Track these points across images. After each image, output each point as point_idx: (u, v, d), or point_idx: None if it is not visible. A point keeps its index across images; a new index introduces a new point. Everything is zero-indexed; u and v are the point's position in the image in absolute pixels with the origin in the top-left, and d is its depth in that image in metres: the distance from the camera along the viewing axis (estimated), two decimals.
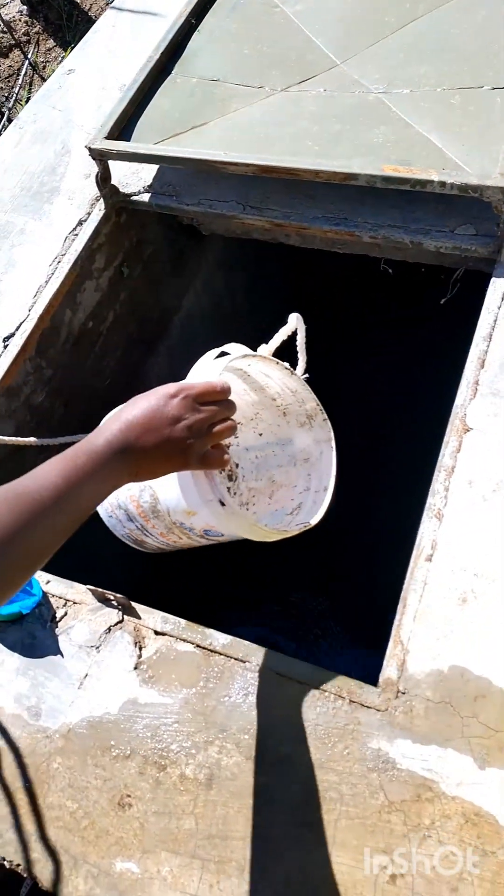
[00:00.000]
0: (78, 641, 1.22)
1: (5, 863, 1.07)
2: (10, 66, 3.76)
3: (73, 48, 2.42)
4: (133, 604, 1.25)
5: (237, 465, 1.18)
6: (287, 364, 1.07)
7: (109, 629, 1.22)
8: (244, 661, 1.15)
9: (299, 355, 1.11)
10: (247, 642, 1.17)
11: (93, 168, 1.70)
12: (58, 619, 1.25)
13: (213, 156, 1.52)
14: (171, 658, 1.18)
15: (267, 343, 1.07)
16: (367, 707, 1.08)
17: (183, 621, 1.22)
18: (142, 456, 0.80)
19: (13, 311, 1.67)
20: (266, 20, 1.84)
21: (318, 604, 2.69)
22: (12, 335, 1.64)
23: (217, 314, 2.49)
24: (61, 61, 3.62)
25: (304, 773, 1.04)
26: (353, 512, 2.59)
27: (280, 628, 2.60)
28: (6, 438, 1.48)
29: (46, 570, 1.31)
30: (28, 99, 3.54)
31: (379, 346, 2.91)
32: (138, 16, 2.22)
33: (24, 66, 3.75)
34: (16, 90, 3.69)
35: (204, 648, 1.18)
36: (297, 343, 1.08)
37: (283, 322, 1.09)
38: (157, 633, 1.21)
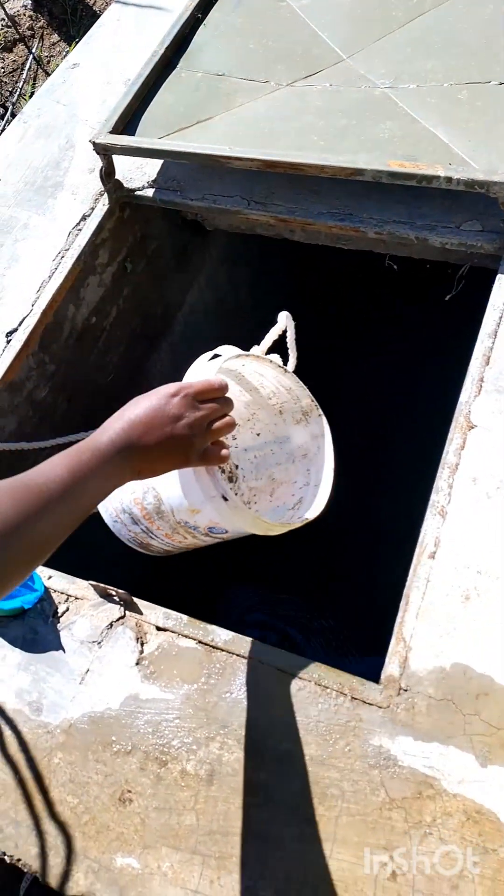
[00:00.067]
0: (79, 637, 1.22)
1: (6, 857, 1.07)
2: (15, 60, 3.75)
3: (77, 43, 2.41)
4: (135, 599, 1.25)
5: (237, 467, 1.18)
6: (280, 362, 1.08)
7: (111, 625, 1.22)
8: (246, 658, 1.15)
9: (290, 352, 1.12)
10: (248, 639, 1.17)
11: (97, 163, 1.70)
12: (59, 615, 1.25)
13: (218, 150, 1.51)
14: (173, 654, 1.18)
15: (259, 344, 1.08)
16: (368, 704, 1.07)
17: (185, 617, 1.22)
18: (144, 453, 0.82)
19: (16, 305, 1.67)
20: (272, 14, 1.83)
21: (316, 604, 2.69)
22: (15, 330, 1.64)
23: (221, 310, 2.49)
24: (65, 56, 3.62)
25: (305, 770, 1.04)
26: (355, 510, 2.59)
27: (282, 616, 2.60)
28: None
29: (48, 565, 1.31)
30: (32, 93, 3.53)
31: (383, 343, 2.91)
32: (143, 10, 2.21)
33: (29, 61, 3.74)
34: (20, 85, 3.68)
35: (206, 644, 1.18)
36: (287, 340, 1.09)
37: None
38: (158, 628, 1.21)
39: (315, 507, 1.04)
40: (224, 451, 0.88)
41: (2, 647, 1.23)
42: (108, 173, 1.70)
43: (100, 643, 1.21)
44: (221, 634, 1.18)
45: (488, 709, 1.03)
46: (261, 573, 2.65)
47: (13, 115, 3.50)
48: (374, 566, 2.43)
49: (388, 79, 1.59)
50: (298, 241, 1.79)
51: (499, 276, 1.41)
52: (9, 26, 3.75)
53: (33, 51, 3.75)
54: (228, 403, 0.88)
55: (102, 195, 1.78)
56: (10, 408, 1.67)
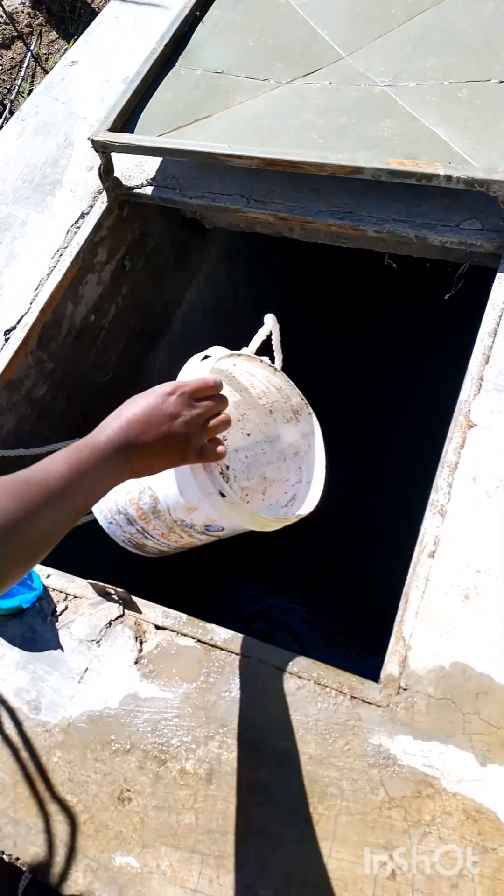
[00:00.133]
0: (78, 635, 1.22)
1: (4, 856, 1.06)
2: (13, 57, 3.74)
3: (76, 40, 2.40)
4: (134, 598, 1.24)
5: (227, 467, 1.19)
6: (269, 361, 1.09)
7: (110, 623, 1.22)
8: (245, 656, 1.15)
9: (276, 354, 1.13)
10: (248, 637, 1.17)
11: (95, 160, 1.69)
12: (58, 613, 1.25)
13: (217, 148, 1.50)
14: (172, 653, 1.18)
15: (248, 345, 1.09)
16: (368, 703, 1.07)
17: (184, 616, 1.21)
18: (142, 451, 0.83)
19: (15, 303, 1.67)
20: (271, 12, 1.82)
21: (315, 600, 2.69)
22: (14, 328, 1.64)
23: (219, 308, 2.48)
24: (64, 53, 3.60)
25: (304, 769, 1.04)
26: (354, 508, 2.59)
27: (284, 608, 2.61)
28: None
29: (47, 563, 1.31)
30: (30, 91, 3.52)
31: (382, 341, 2.91)
32: (142, 7, 2.20)
33: (27, 58, 3.73)
34: (18, 82, 3.67)
35: (205, 643, 1.17)
36: (273, 343, 1.10)
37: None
38: (157, 627, 1.21)
39: (308, 504, 1.05)
40: (221, 448, 0.89)
41: (0, 646, 1.23)
42: (106, 171, 1.70)
43: (98, 642, 1.21)
44: (220, 633, 1.18)
45: (488, 708, 1.03)
46: (259, 570, 2.65)
47: (11, 113, 3.49)
48: (373, 564, 2.43)
49: (388, 77, 1.59)
50: (298, 239, 1.79)
51: (498, 274, 1.41)
52: (7, 24, 3.74)
53: (31, 48, 3.75)
54: (223, 401, 0.89)
55: (101, 193, 1.78)
56: (9, 406, 1.67)
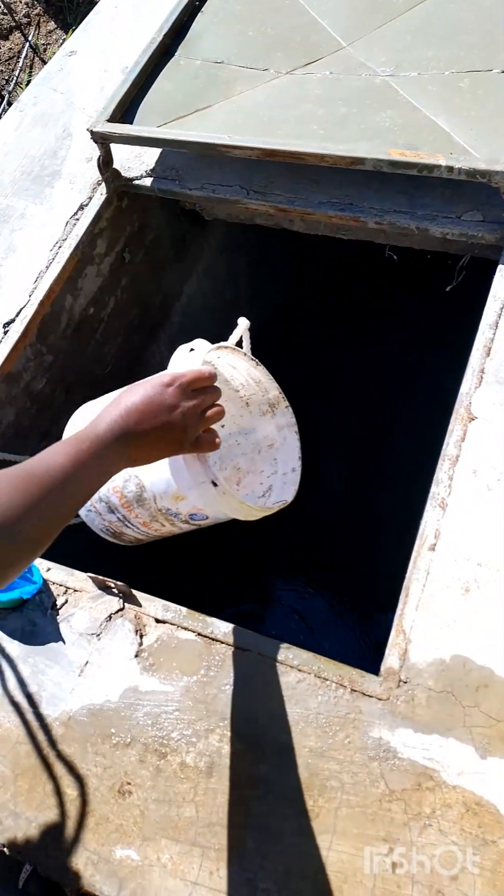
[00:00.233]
0: (78, 629, 1.22)
1: (5, 849, 1.07)
2: (11, 48, 3.72)
3: (74, 30, 2.39)
4: (134, 592, 1.24)
5: None
6: (251, 355, 1.10)
7: (110, 617, 1.22)
8: (245, 650, 1.15)
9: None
10: (248, 631, 1.17)
11: (94, 151, 1.68)
12: (58, 607, 1.25)
13: (217, 139, 1.49)
14: (172, 646, 1.17)
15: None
16: (368, 696, 1.07)
17: (184, 609, 1.21)
18: (140, 440, 0.84)
19: (13, 296, 1.66)
20: (271, 1, 1.81)
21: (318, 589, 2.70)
22: (12, 321, 1.63)
23: (219, 300, 2.48)
24: (62, 43, 3.58)
25: (304, 762, 1.04)
26: (354, 500, 2.59)
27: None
28: None
29: (47, 557, 1.30)
30: (29, 82, 3.50)
31: (382, 333, 2.90)
32: None
33: (25, 49, 3.70)
34: (16, 73, 3.65)
35: (205, 637, 1.17)
36: (244, 348, 1.11)
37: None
38: (157, 620, 1.21)
39: (286, 494, 1.09)
40: (217, 439, 0.90)
41: (1, 639, 1.23)
42: (105, 162, 1.68)
43: (99, 635, 1.21)
44: (221, 626, 1.18)
45: (488, 701, 1.03)
46: (258, 561, 2.65)
47: (9, 104, 3.47)
48: (373, 557, 2.44)
49: (389, 67, 1.58)
50: (298, 231, 1.77)
51: (500, 266, 1.40)
52: (5, 14, 3.71)
53: (30, 38, 3.72)
54: (218, 392, 0.90)
55: (100, 184, 1.76)
56: (8, 399, 1.66)
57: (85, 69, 2.05)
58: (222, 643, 1.16)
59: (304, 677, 1.10)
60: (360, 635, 2.49)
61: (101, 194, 1.76)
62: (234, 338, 1.07)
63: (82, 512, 1.10)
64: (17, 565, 0.73)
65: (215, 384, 0.90)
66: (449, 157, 1.34)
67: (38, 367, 1.72)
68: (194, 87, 1.67)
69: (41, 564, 1.30)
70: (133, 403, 0.84)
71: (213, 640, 1.17)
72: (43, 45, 3.76)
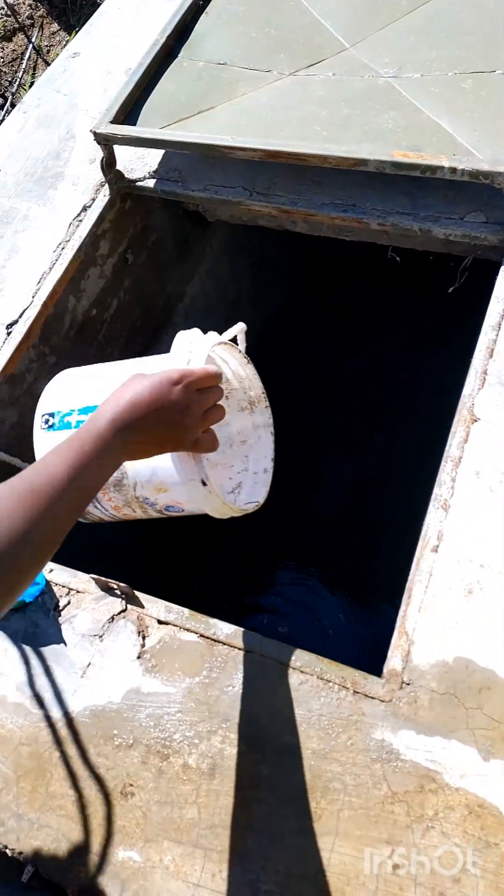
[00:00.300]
0: (81, 630, 1.22)
1: (7, 851, 1.07)
2: (14, 50, 3.72)
3: (77, 31, 2.39)
4: (136, 593, 1.24)
5: None
6: (245, 353, 1.10)
7: (112, 618, 1.22)
8: (248, 651, 1.15)
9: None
10: (250, 632, 1.17)
11: (98, 153, 1.68)
12: (61, 608, 1.25)
13: (220, 140, 1.49)
14: (175, 647, 1.17)
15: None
16: (371, 698, 1.07)
17: (186, 611, 1.21)
18: (143, 436, 0.83)
19: (17, 297, 1.66)
20: (274, 3, 1.81)
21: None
22: (16, 322, 1.63)
23: (221, 301, 2.48)
24: (66, 45, 3.59)
25: (307, 764, 1.04)
26: (355, 501, 2.59)
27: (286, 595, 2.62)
28: None
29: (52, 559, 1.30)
30: (32, 83, 3.50)
31: (384, 334, 2.90)
32: None
33: (28, 50, 3.71)
34: (19, 74, 3.65)
35: (207, 638, 1.17)
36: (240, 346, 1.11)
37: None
38: (160, 622, 1.21)
39: (260, 493, 1.10)
40: (216, 441, 0.90)
41: (3, 641, 1.23)
42: (108, 163, 1.69)
43: (101, 637, 1.21)
44: (223, 628, 1.18)
45: (491, 703, 1.03)
46: (259, 560, 2.66)
47: (13, 105, 3.48)
48: (374, 557, 2.44)
49: (392, 68, 1.58)
50: (300, 232, 1.78)
51: (502, 267, 1.40)
52: (8, 15, 3.72)
53: (33, 40, 3.73)
54: (221, 392, 0.90)
55: (103, 186, 1.77)
56: (11, 400, 1.66)
57: (88, 71, 2.05)
58: (225, 645, 1.16)
59: (307, 679, 1.10)
60: (359, 634, 2.49)
61: (104, 196, 1.76)
62: (227, 335, 1.07)
63: None
64: (27, 579, 0.73)
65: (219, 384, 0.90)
66: (452, 159, 1.34)
67: (41, 368, 1.72)
68: (197, 88, 1.67)
69: None
70: (140, 398, 0.83)
71: (215, 641, 1.17)
72: (46, 46, 3.77)
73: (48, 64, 3.59)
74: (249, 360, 1.11)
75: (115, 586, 1.24)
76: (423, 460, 1.54)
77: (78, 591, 1.26)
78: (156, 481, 0.97)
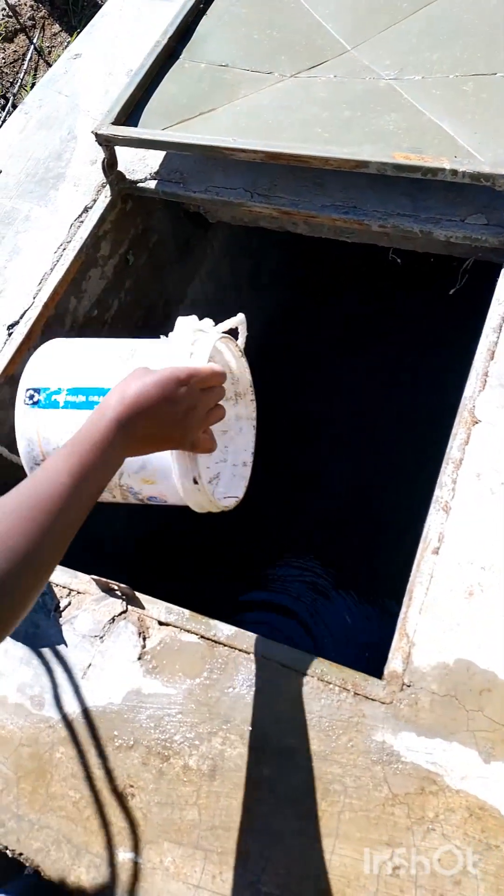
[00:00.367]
0: (81, 631, 1.22)
1: (7, 852, 1.07)
2: (16, 51, 3.73)
3: (79, 33, 2.39)
4: (137, 594, 1.24)
5: None
6: (241, 347, 1.10)
7: (113, 619, 1.22)
8: (248, 653, 1.15)
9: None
10: (251, 634, 1.17)
11: (99, 154, 1.68)
12: (61, 609, 1.25)
13: (221, 142, 1.49)
14: (175, 649, 1.17)
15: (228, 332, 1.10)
16: (371, 699, 1.07)
17: (187, 612, 1.21)
18: (145, 433, 0.82)
19: (18, 298, 1.66)
20: (276, 4, 1.81)
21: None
22: (17, 323, 1.63)
23: (222, 302, 2.48)
24: (67, 46, 3.59)
25: (307, 765, 1.04)
26: (354, 502, 2.59)
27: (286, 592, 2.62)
28: None
29: None
30: (33, 84, 3.51)
31: (384, 335, 2.90)
32: None
33: (30, 51, 3.71)
34: (21, 75, 3.66)
35: (208, 639, 1.17)
36: (239, 340, 1.10)
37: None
38: (161, 623, 1.21)
39: (239, 487, 1.11)
40: (214, 442, 0.90)
41: (3, 642, 1.23)
42: (110, 165, 1.69)
43: (102, 637, 1.21)
44: (224, 629, 1.18)
45: (492, 705, 1.03)
46: (258, 558, 2.66)
47: (14, 106, 3.48)
48: (374, 558, 2.44)
49: (393, 70, 1.58)
50: (301, 233, 1.78)
51: (503, 270, 1.40)
52: (10, 16, 3.72)
53: (34, 41, 3.73)
54: (223, 392, 0.90)
55: (104, 187, 1.77)
56: (12, 401, 1.66)
57: (90, 72, 2.06)
58: (225, 646, 1.16)
59: (307, 681, 1.10)
60: (359, 635, 2.49)
61: (105, 197, 1.77)
62: (224, 326, 1.07)
63: (27, 466, 1.04)
64: (37, 589, 0.73)
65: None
66: (453, 161, 1.34)
67: None
68: (199, 90, 1.67)
69: None
70: (147, 396, 0.81)
71: (216, 642, 1.17)
72: (48, 47, 3.77)
73: (49, 65, 3.59)
74: (243, 353, 1.11)
75: (116, 587, 1.24)
76: (423, 461, 1.54)
77: (78, 592, 1.26)
78: (144, 474, 0.97)
